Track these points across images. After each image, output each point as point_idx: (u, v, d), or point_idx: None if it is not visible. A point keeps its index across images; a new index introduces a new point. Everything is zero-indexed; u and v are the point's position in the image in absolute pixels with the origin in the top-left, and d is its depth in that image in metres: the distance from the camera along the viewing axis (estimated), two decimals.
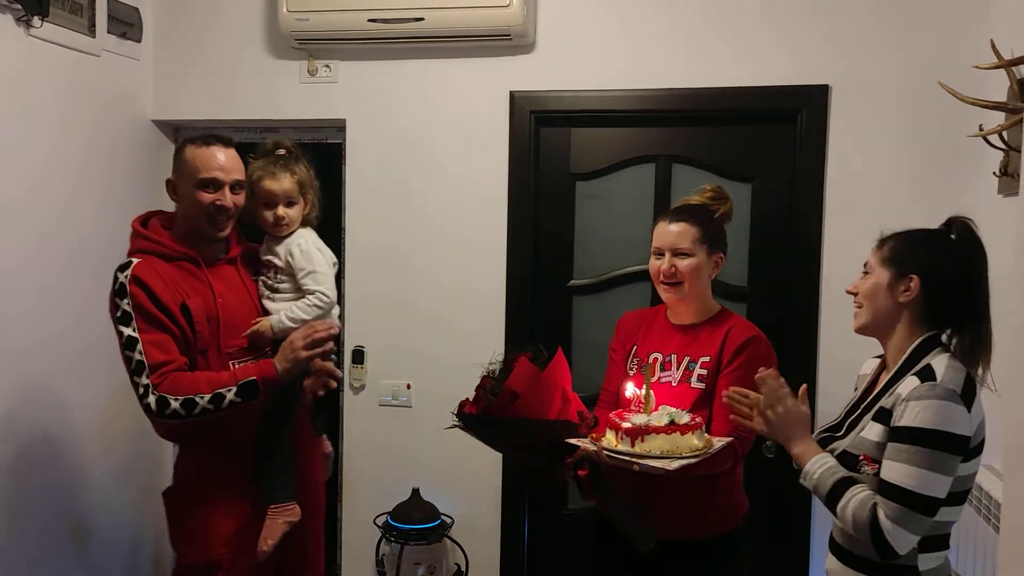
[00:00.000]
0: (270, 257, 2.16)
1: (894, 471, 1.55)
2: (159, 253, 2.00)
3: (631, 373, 2.11)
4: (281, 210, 2.11)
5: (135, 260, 1.95)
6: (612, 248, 2.94)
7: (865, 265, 1.75)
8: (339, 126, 3.06)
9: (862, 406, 1.73)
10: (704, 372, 2.00)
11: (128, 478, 2.98)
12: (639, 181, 2.90)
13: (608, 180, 2.94)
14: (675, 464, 1.77)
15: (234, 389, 1.92)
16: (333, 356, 2.14)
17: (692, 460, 1.79)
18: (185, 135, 3.24)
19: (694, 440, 1.83)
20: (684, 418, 1.85)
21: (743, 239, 2.81)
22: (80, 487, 2.77)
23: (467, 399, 2.01)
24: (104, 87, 2.89)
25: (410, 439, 3.03)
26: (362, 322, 3.06)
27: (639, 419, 1.86)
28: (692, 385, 2.01)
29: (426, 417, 3.01)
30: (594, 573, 2.21)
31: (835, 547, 1.75)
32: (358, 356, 3.05)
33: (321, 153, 3.14)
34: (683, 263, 2.03)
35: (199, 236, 2.06)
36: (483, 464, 2.96)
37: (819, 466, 1.65)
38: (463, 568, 2.99)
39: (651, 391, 1.94)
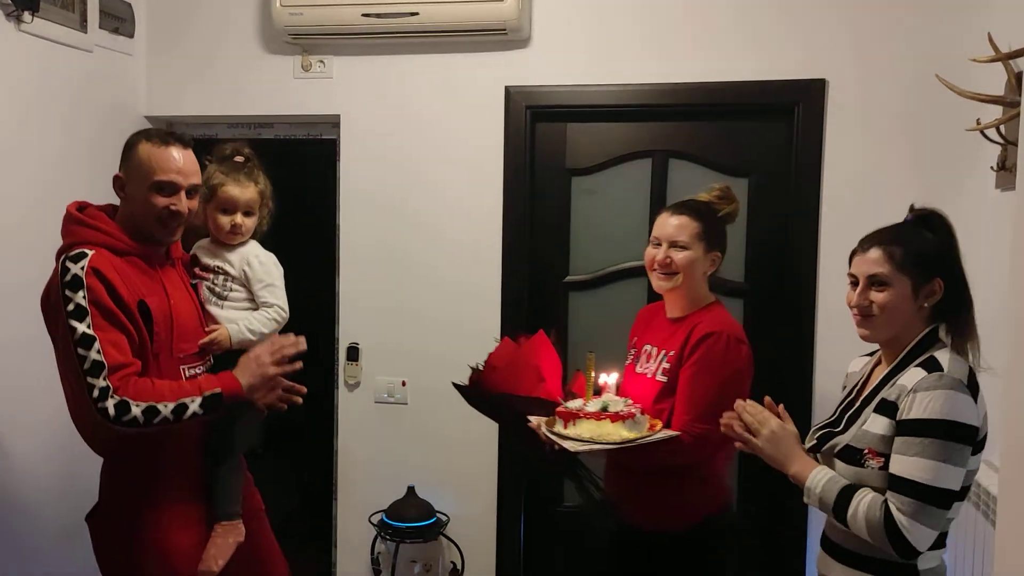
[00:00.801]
0: (220, 263, 2.11)
1: (906, 465, 1.51)
2: (111, 246, 1.84)
3: (627, 361, 2.21)
4: (239, 218, 2.08)
5: (89, 251, 1.79)
6: (608, 244, 2.92)
7: (853, 276, 1.69)
8: (334, 122, 3.05)
9: (860, 400, 1.70)
10: (667, 366, 2.05)
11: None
12: (635, 176, 2.89)
13: (604, 175, 2.92)
14: (582, 447, 1.88)
15: (198, 400, 1.81)
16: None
17: (601, 447, 1.89)
18: (180, 132, 3.23)
19: (623, 430, 1.90)
20: (618, 407, 1.93)
21: (740, 234, 2.79)
22: (75, 487, 2.75)
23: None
24: (96, 83, 2.87)
25: (405, 437, 3.02)
26: (357, 319, 3.05)
27: (574, 404, 1.99)
28: (657, 378, 2.07)
29: (422, 415, 3.00)
30: (586, 567, 2.26)
31: (831, 547, 1.71)
32: (353, 353, 3.03)
33: (316, 149, 3.15)
34: (679, 255, 2.05)
35: (145, 238, 1.91)
36: (478, 462, 2.95)
37: (819, 479, 1.62)
38: (459, 566, 2.98)
39: (592, 380, 2.06)
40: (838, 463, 1.65)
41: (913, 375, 1.57)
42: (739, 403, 1.76)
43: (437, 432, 2.98)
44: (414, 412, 3.01)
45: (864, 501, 1.55)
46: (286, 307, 2.12)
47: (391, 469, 3.01)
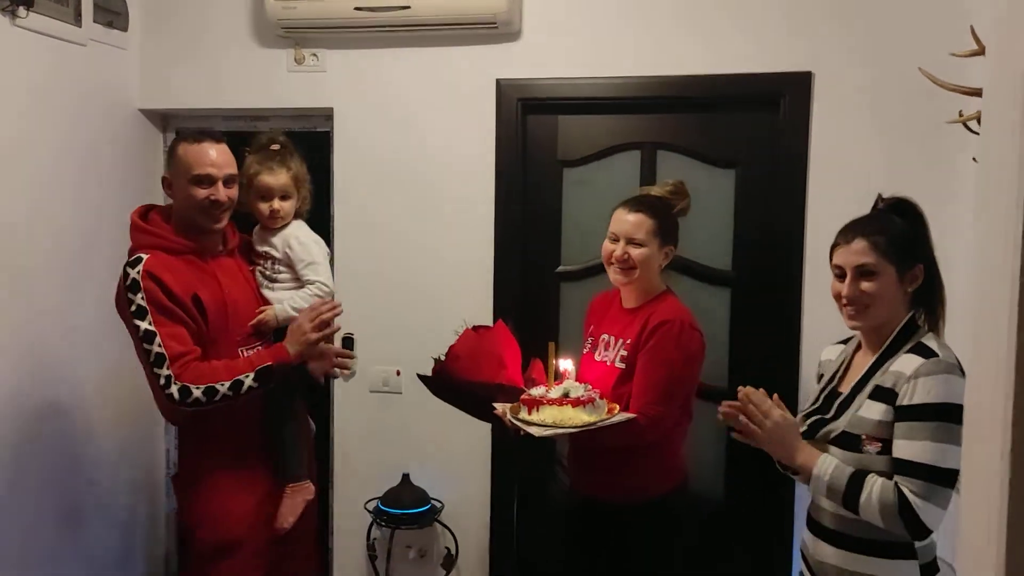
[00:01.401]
0: (267, 248, 2.25)
1: (913, 449, 1.55)
2: (164, 248, 2.07)
3: (584, 350, 2.32)
4: (276, 203, 2.22)
5: (144, 255, 2.02)
6: (599, 234, 2.90)
7: (839, 268, 1.72)
8: (327, 115, 3.07)
9: (849, 387, 1.72)
10: (625, 353, 2.15)
11: (121, 461, 3.00)
12: (625, 168, 2.92)
13: (595, 167, 2.96)
14: (545, 432, 1.99)
15: (251, 375, 2.03)
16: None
17: (563, 431, 1.99)
18: (172, 124, 3.25)
19: (584, 414, 2.00)
20: (579, 392, 2.03)
21: (727, 224, 2.84)
22: (73, 470, 2.79)
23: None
24: (90, 76, 2.88)
25: (400, 425, 3.06)
26: (352, 310, 3.04)
27: (537, 391, 2.09)
28: (615, 365, 2.17)
29: (416, 403, 3.02)
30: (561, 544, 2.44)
31: (824, 532, 1.73)
32: (348, 343, 3.07)
33: (309, 142, 3.16)
34: (636, 252, 2.15)
35: (197, 229, 2.12)
36: (472, 449, 2.99)
37: (827, 467, 1.64)
38: (453, 551, 3.02)
39: (555, 368, 2.15)
40: (833, 449, 1.67)
41: (907, 361, 1.61)
42: (742, 393, 1.74)
43: (431, 420, 3.01)
44: (408, 401, 3.04)
45: (876, 487, 1.57)
46: (329, 283, 2.25)
47: (386, 457, 3.05)
